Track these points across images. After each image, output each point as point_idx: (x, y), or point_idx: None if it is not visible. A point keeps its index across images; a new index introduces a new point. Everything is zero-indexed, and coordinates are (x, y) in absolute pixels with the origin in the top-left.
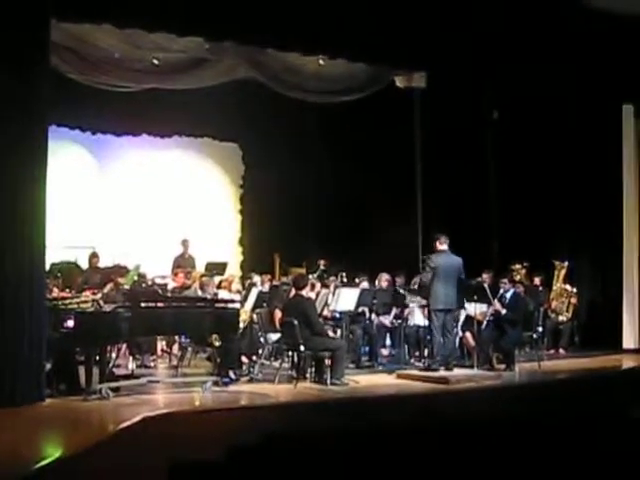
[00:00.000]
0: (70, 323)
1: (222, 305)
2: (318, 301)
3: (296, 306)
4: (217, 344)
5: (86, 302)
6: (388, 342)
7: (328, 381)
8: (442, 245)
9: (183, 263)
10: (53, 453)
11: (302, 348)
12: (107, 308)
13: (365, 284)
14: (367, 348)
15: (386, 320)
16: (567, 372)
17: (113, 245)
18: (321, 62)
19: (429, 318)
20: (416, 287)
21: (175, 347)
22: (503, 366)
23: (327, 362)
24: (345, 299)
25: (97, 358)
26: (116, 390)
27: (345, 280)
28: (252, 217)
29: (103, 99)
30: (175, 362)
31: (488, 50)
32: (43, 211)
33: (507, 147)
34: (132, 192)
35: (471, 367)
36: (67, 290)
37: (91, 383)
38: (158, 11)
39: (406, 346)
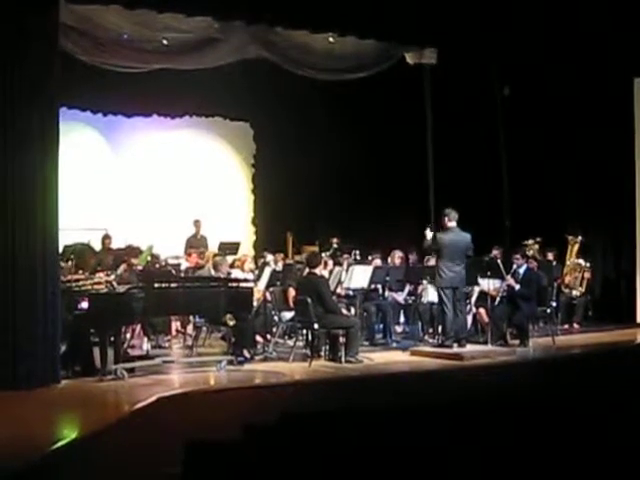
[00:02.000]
0: (84, 305)
1: (236, 284)
2: (331, 279)
3: (309, 284)
4: (231, 323)
5: (100, 283)
6: (402, 319)
7: (342, 359)
8: (451, 222)
9: (195, 243)
10: (69, 434)
11: (316, 326)
12: (121, 289)
13: (378, 261)
14: (381, 325)
15: (400, 297)
16: (581, 347)
17: (126, 226)
18: (331, 40)
19: (439, 296)
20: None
21: (189, 327)
22: (517, 342)
23: (341, 340)
24: (358, 277)
25: (112, 339)
26: (131, 371)
27: (358, 258)
28: (264, 196)
29: (113, 80)
30: (190, 342)
31: (499, 26)
32: (55, 193)
33: (518, 123)
34: (143, 173)
35: (485, 343)
36: (80, 272)
37: (106, 364)
38: None
39: (420, 323)
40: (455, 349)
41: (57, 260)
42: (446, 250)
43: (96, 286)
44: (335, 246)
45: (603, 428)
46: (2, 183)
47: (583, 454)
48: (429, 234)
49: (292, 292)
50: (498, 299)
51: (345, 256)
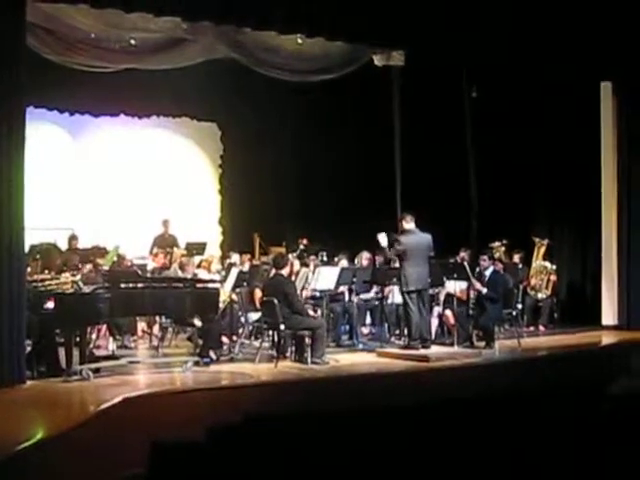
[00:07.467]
0: (50, 305)
1: (202, 285)
2: (298, 280)
3: (276, 285)
4: (197, 324)
5: (66, 284)
6: (368, 320)
7: (308, 360)
8: (409, 224)
9: (163, 243)
10: (34, 435)
11: (282, 327)
12: (87, 289)
13: (344, 262)
14: (347, 327)
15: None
16: (546, 349)
17: (92, 226)
18: (299, 41)
19: (404, 300)
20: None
21: (155, 328)
22: (483, 343)
23: (307, 341)
24: (325, 278)
25: (77, 339)
26: (97, 371)
27: (325, 259)
28: (231, 197)
29: (81, 80)
30: (155, 342)
31: (466, 28)
32: (22, 193)
33: (486, 125)
34: (111, 173)
35: (451, 345)
36: (46, 272)
37: (71, 364)
38: None
39: (386, 324)
40: (421, 351)
41: (23, 260)
42: (411, 252)
43: (62, 286)
44: (302, 247)
45: (568, 430)
46: None
47: (547, 456)
48: (383, 240)
49: (258, 293)
50: (471, 303)
51: (312, 257)
